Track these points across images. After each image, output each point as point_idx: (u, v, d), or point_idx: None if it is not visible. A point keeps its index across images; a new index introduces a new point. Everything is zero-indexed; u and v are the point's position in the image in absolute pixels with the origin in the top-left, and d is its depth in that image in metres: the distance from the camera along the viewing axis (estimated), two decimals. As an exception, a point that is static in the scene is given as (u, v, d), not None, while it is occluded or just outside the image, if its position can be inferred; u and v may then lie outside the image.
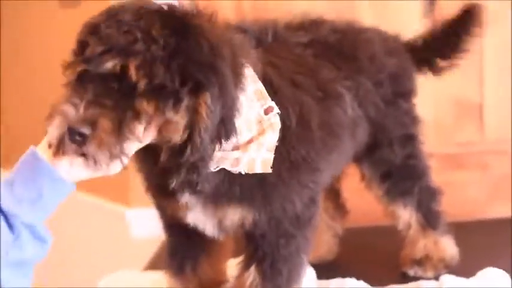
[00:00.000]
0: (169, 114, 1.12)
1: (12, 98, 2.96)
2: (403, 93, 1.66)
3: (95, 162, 1.10)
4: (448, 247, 1.75)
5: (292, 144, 1.29)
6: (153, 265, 1.97)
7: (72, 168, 1.13)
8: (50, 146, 1.11)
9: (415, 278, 1.72)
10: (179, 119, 1.13)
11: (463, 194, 2.19)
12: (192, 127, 1.13)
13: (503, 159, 2.21)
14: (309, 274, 1.60)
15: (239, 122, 1.20)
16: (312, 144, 1.33)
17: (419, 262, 1.73)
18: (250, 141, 1.23)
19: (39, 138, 1.15)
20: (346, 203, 1.90)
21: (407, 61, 1.68)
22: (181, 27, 1.14)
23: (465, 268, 1.71)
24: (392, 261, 1.80)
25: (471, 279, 1.66)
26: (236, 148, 1.23)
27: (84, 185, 1.24)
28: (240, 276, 1.41)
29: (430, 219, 1.73)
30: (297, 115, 1.30)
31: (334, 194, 1.84)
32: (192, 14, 1.17)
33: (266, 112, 1.23)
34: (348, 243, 1.90)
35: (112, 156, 1.10)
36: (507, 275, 1.65)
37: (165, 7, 1.16)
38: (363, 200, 1.80)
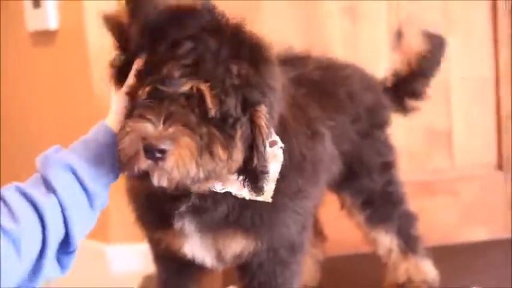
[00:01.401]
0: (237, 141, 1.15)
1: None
2: (379, 124, 1.74)
3: (170, 179, 1.11)
4: (429, 269, 1.80)
5: (294, 174, 1.34)
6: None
7: None
8: (123, 164, 1.13)
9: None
10: (238, 141, 1.15)
11: (436, 220, 2.24)
12: (253, 139, 1.17)
13: (472, 185, 2.29)
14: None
15: None
16: (305, 175, 1.38)
17: (403, 286, 1.77)
18: None
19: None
20: (323, 229, 1.94)
21: (382, 94, 1.76)
22: (254, 59, 1.16)
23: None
24: (374, 287, 1.84)
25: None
26: None
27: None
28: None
29: (410, 244, 1.78)
30: (299, 148, 1.35)
31: (313, 221, 1.88)
32: (260, 41, 1.19)
33: (271, 145, 1.27)
34: (330, 271, 1.94)
35: (187, 177, 1.10)
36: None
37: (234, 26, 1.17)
38: (341, 228, 1.85)
